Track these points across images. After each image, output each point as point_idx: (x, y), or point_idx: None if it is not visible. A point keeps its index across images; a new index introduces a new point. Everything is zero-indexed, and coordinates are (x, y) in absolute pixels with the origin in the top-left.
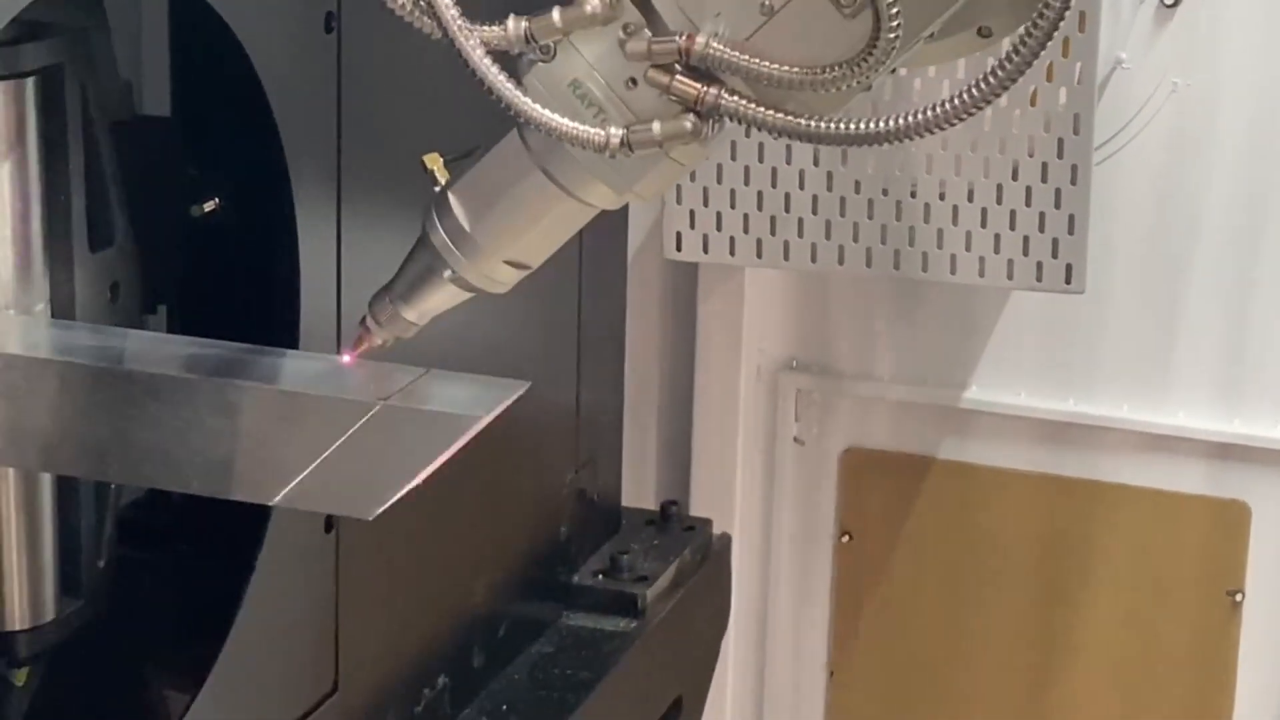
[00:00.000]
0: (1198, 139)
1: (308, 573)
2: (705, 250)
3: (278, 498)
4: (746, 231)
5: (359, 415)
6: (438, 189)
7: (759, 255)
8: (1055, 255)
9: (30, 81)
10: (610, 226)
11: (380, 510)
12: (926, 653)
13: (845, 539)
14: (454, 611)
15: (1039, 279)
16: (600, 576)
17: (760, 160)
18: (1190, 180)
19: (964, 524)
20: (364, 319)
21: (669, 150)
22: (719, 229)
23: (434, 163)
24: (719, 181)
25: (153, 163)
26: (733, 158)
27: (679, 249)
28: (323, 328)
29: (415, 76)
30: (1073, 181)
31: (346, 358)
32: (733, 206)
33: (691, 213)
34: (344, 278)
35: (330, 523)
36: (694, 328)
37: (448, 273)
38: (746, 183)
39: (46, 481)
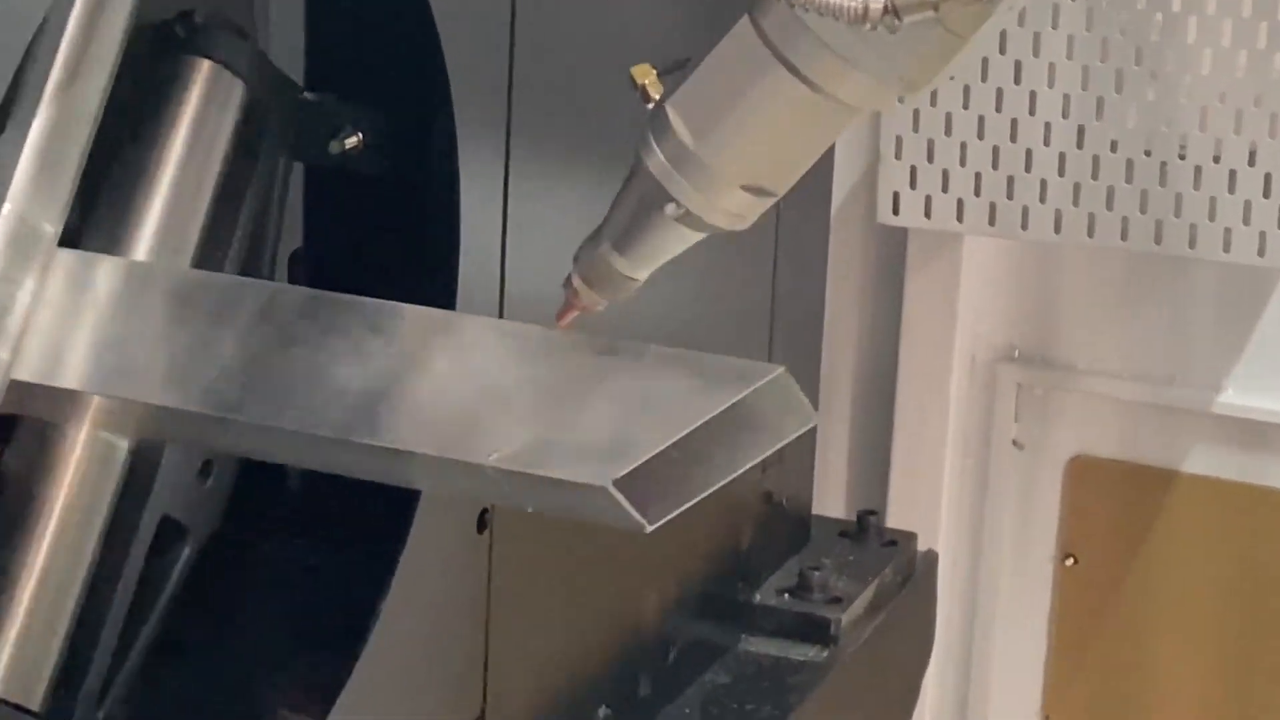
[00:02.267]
0: None
1: (456, 579)
2: (927, 215)
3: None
4: (978, 194)
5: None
6: (651, 105)
7: (992, 223)
8: None
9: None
10: (811, 183)
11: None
12: (1158, 700)
13: (1069, 562)
14: (618, 632)
15: None
16: (786, 596)
17: (998, 109)
18: None
19: (1212, 550)
20: (569, 278)
21: (945, 18)
22: (945, 190)
23: (644, 75)
24: (947, 133)
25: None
26: (965, 105)
27: (895, 213)
28: (483, 293)
29: (593, 19)
30: None
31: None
32: (963, 164)
33: (913, 169)
34: (509, 229)
35: (484, 520)
36: (899, 307)
37: (670, 207)
38: (980, 135)
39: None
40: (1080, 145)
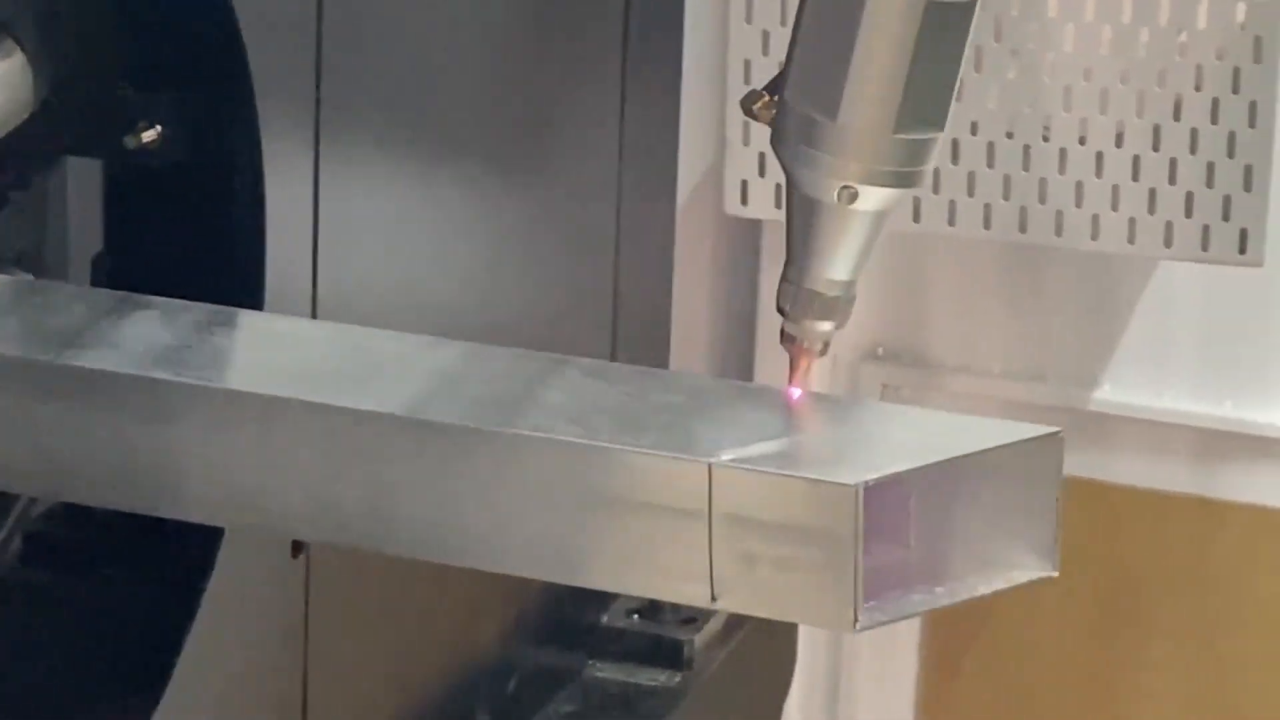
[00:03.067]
0: None
1: (269, 609)
2: (778, 205)
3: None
4: None
5: None
6: (770, 111)
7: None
8: (1227, 218)
9: None
10: (655, 172)
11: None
12: (1033, 712)
13: None
14: (452, 660)
15: (1205, 248)
16: (636, 617)
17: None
18: None
19: (1093, 556)
20: (783, 333)
21: None
22: None
23: (750, 101)
24: None
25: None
26: None
27: (744, 203)
28: (294, 290)
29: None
30: (1251, 123)
31: (796, 392)
32: None
33: (761, 156)
34: (321, 224)
35: (299, 544)
36: (755, 304)
37: (836, 189)
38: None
39: None
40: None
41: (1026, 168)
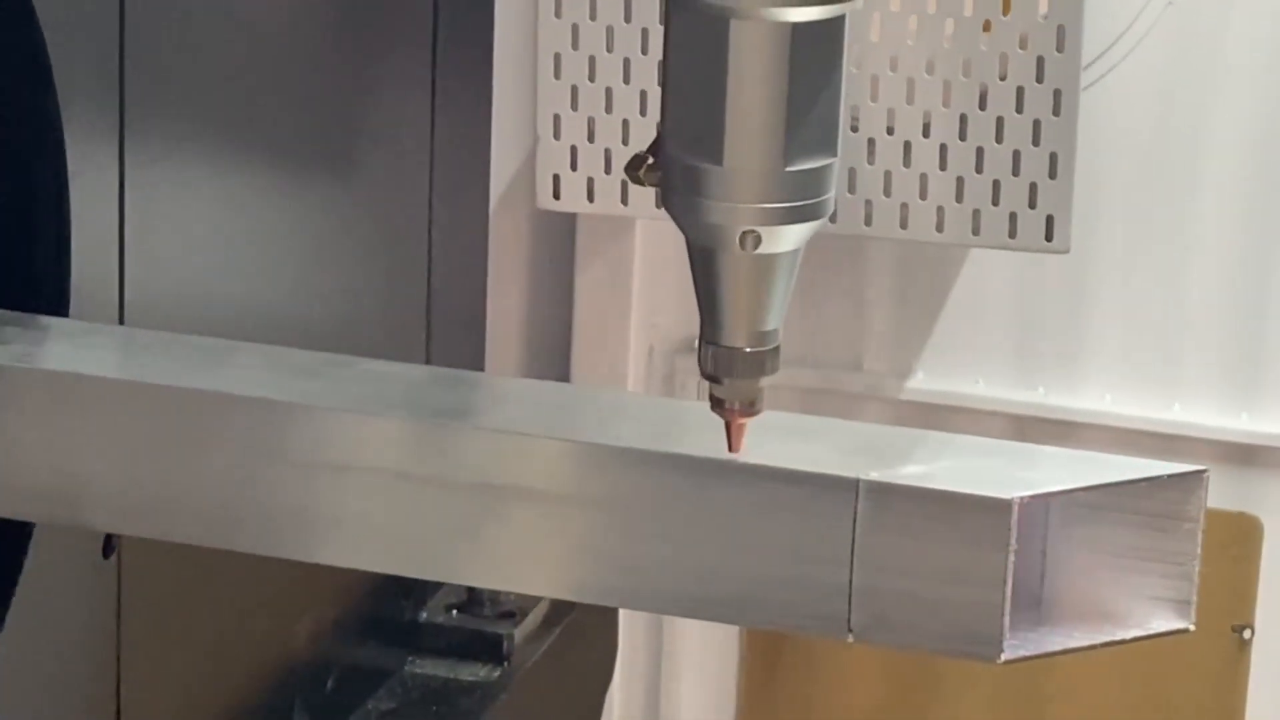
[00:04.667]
0: (1203, 57)
1: (80, 611)
2: (590, 199)
3: None
4: None
5: None
6: (653, 173)
7: (658, 205)
8: (1033, 205)
9: None
10: (467, 168)
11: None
12: (866, 703)
13: None
14: (270, 659)
15: (1012, 235)
16: (455, 612)
17: (661, 83)
18: (1194, 110)
19: None
20: (711, 399)
21: None
22: (608, 172)
23: (637, 167)
24: (608, 111)
25: None
26: (626, 80)
27: (556, 197)
28: (100, 292)
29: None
30: (1055, 111)
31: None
32: (625, 143)
33: (573, 150)
34: (127, 225)
35: (110, 544)
36: (571, 298)
37: (736, 237)
38: (644, 112)
39: None
40: None
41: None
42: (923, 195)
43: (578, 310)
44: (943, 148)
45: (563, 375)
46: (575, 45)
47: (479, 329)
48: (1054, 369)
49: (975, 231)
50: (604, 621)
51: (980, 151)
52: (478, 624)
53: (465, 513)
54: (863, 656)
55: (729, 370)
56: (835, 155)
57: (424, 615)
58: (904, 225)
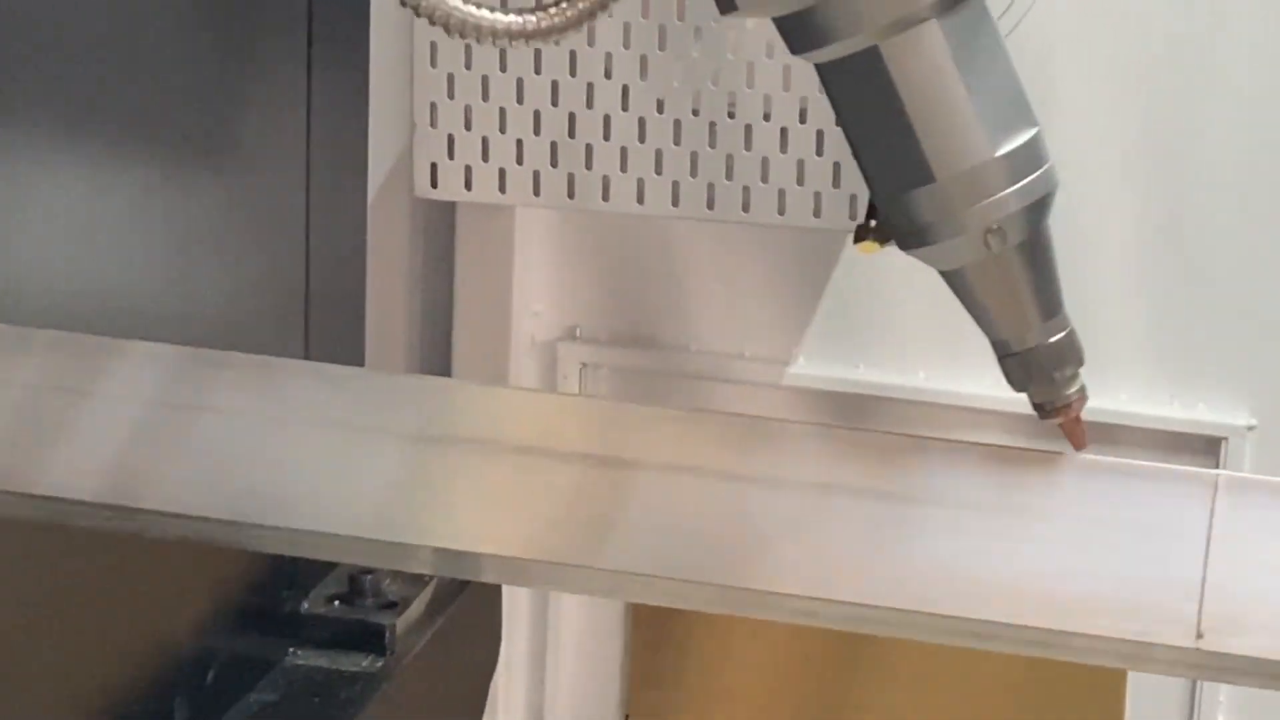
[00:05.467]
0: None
1: None
2: (469, 187)
3: None
4: (520, 163)
5: None
6: (878, 234)
7: (537, 193)
8: None
9: None
10: (346, 157)
11: None
12: (741, 690)
13: None
14: (146, 653)
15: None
16: (337, 603)
17: (537, 71)
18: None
19: None
20: (1039, 409)
21: None
22: (485, 159)
23: (870, 249)
24: (484, 99)
25: None
26: (502, 68)
27: (434, 185)
28: None
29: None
30: None
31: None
32: (503, 130)
33: (450, 138)
34: None
35: None
36: (451, 287)
37: (981, 241)
38: (520, 100)
39: None
40: (625, 107)
41: (713, 145)
42: (799, 181)
43: (458, 300)
44: (819, 133)
45: (444, 362)
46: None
47: (358, 319)
48: (935, 354)
49: (853, 216)
50: (487, 610)
51: None
52: (360, 614)
53: None
54: (748, 641)
55: (1038, 373)
56: (1036, 124)
57: (306, 606)
58: (782, 211)
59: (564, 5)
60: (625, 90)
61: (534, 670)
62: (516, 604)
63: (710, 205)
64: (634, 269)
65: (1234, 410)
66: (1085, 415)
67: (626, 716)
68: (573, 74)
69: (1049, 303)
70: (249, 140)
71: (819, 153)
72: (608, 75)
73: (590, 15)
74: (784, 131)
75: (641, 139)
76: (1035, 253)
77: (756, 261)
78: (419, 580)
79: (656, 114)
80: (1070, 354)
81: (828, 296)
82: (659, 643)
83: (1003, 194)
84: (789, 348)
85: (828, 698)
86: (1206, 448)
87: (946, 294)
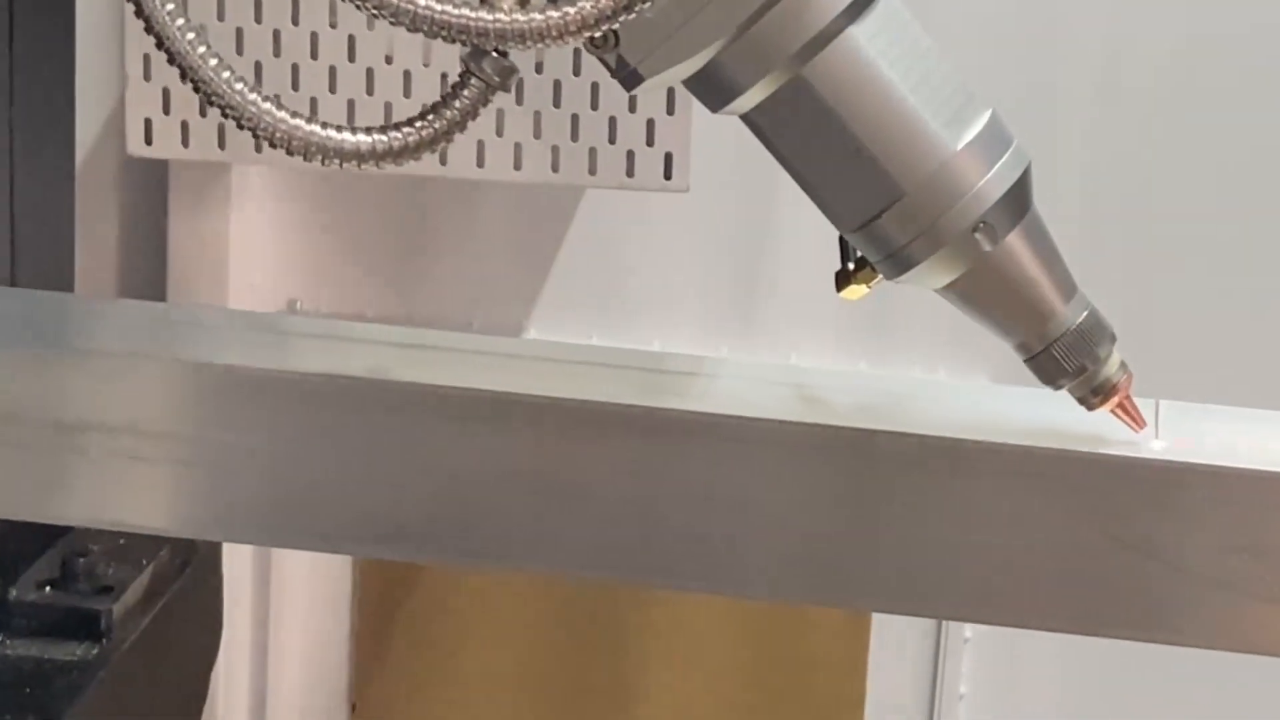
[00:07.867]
0: None
1: None
2: (185, 144)
3: None
4: None
5: None
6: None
7: (258, 149)
8: (651, 143)
9: None
10: (50, 114)
11: None
12: (469, 680)
13: None
14: None
15: (630, 174)
16: (49, 589)
17: (258, 20)
18: None
19: None
20: (1083, 401)
21: None
22: (203, 114)
23: (857, 293)
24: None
25: None
26: (220, 17)
27: (149, 142)
28: None
29: None
30: None
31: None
32: None
33: (166, 92)
34: None
35: None
36: (164, 254)
37: (976, 241)
38: (239, 50)
39: None
40: (352, 59)
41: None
42: (537, 135)
43: (171, 266)
44: (556, 84)
45: None
46: None
47: (66, 287)
48: (665, 316)
49: (592, 171)
50: (208, 595)
51: (595, 87)
52: (73, 600)
53: None
54: (487, 635)
55: (1071, 363)
56: (988, 106)
57: (14, 593)
58: (518, 167)
59: None
60: (352, 41)
61: (256, 658)
62: (238, 590)
63: (443, 161)
64: (351, 237)
65: None
66: None
67: (353, 706)
68: (295, 23)
69: (1064, 283)
70: None
71: (556, 105)
72: (333, 25)
73: None
74: (520, 83)
75: (370, 91)
76: (1032, 234)
77: (490, 224)
78: (136, 563)
79: (385, 65)
80: (1100, 331)
81: (560, 262)
82: (385, 631)
83: (978, 186)
84: (519, 318)
85: (561, 685)
86: None
87: (673, 258)
